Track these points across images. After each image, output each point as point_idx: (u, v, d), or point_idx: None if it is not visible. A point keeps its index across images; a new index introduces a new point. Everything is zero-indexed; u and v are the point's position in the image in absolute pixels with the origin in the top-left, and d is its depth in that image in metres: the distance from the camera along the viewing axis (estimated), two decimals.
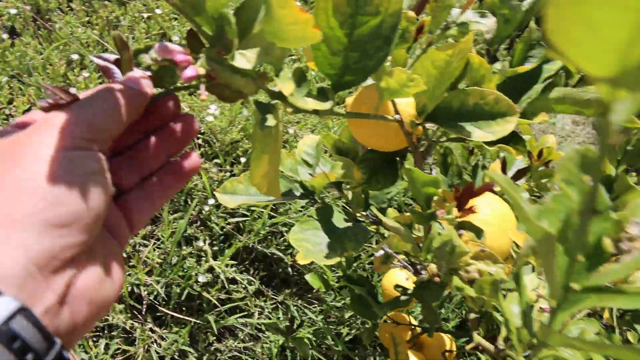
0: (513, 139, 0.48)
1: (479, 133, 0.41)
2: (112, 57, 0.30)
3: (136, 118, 0.27)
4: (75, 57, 1.24)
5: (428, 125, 0.49)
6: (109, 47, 1.32)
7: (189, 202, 1.18)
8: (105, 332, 1.02)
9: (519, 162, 0.74)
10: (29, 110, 1.12)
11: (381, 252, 0.69)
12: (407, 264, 0.56)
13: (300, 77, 0.29)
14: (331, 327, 1.22)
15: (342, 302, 1.28)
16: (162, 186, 0.29)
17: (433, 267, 0.49)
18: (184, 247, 1.12)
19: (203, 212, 1.17)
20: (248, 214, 1.22)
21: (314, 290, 1.34)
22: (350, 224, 0.58)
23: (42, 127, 0.23)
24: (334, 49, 0.31)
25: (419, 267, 0.55)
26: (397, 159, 0.62)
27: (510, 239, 0.53)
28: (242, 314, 1.13)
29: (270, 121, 0.30)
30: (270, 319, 1.21)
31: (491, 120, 0.42)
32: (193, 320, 1.05)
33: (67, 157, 0.22)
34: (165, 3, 1.44)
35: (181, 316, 1.05)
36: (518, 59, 0.52)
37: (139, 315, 1.05)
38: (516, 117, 0.41)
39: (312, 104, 0.30)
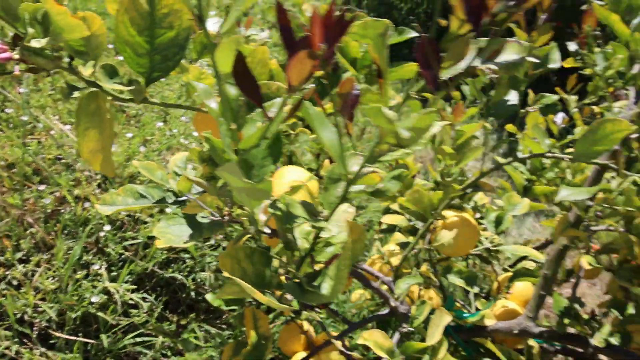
0: None
1: None
2: None
3: None
4: None
5: None
6: None
7: (83, 230, 1.20)
8: None
9: None
10: None
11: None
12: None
13: (110, 70, 0.39)
14: None
15: None
16: None
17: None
18: (79, 272, 1.14)
19: (100, 240, 1.21)
20: (145, 240, 1.27)
21: (224, 316, 1.36)
22: (215, 218, 0.62)
23: None
24: (138, 52, 0.41)
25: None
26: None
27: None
28: (142, 338, 1.15)
29: (76, 94, 0.40)
30: (175, 344, 1.23)
31: None
32: (90, 341, 1.07)
33: None
34: None
35: (75, 338, 1.07)
36: None
37: (28, 343, 1.05)
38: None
39: (120, 87, 0.39)
